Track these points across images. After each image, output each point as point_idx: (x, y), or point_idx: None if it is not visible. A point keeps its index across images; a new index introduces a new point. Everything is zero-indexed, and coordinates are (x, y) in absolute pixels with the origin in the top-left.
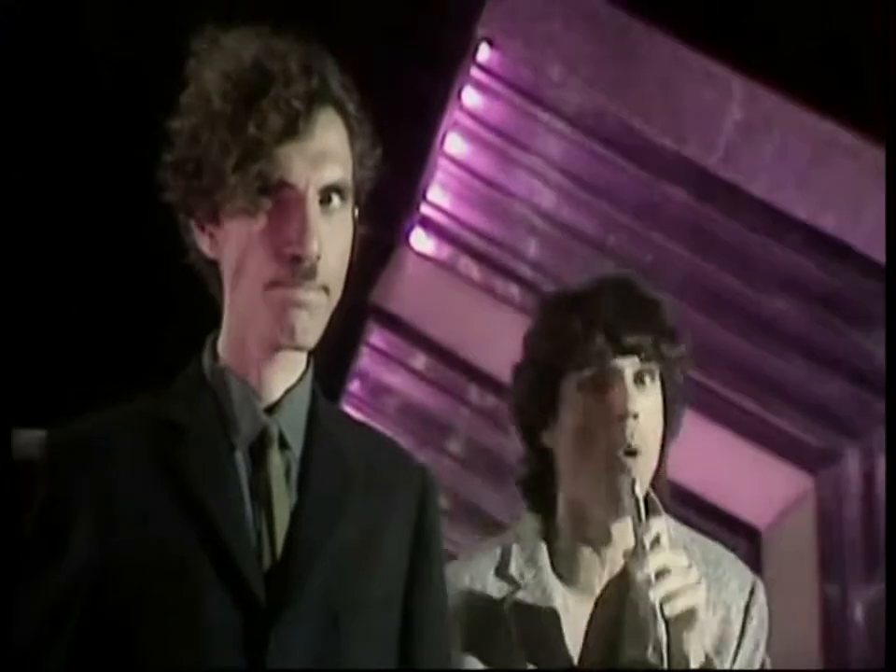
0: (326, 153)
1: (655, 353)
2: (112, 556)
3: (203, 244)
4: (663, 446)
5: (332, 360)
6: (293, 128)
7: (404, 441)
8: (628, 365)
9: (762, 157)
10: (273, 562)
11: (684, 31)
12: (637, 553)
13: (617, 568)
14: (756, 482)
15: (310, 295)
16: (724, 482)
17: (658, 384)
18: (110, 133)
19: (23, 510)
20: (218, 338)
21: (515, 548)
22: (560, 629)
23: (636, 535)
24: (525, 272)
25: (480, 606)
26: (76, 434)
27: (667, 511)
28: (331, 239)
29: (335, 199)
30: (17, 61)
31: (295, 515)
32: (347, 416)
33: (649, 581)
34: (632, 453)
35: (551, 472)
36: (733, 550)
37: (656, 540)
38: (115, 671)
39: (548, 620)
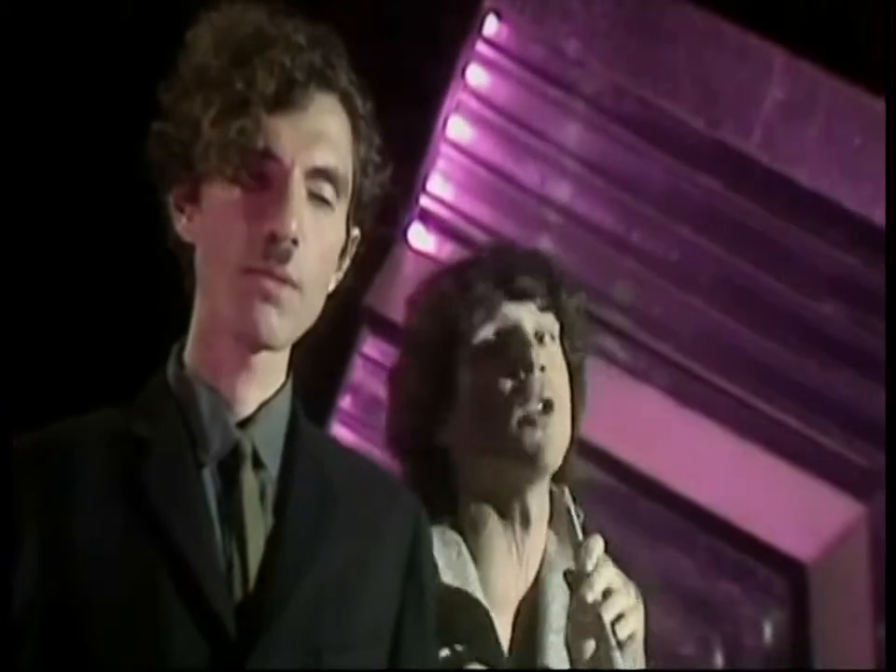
0: (320, 135)
1: (553, 301)
2: (64, 574)
3: (180, 225)
4: (573, 414)
5: (321, 372)
6: (287, 97)
7: None
8: (525, 314)
9: (805, 141)
10: (246, 593)
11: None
12: (580, 575)
13: (531, 578)
14: (800, 509)
15: (282, 290)
16: (763, 509)
17: (558, 344)
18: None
19: None
20: (186, 343)
21: (444, 567)
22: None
23: (576, 555)
24: None
25: None
26: (36, 442)
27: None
28: (316, 233)
29: (326, 190)
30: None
31: (271, 541)
32: (331, 438)
33: (596, 603)
34: (547, 404)
35: (447, 476)
36: (773, 586)
37: (598, 559)
38: None
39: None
